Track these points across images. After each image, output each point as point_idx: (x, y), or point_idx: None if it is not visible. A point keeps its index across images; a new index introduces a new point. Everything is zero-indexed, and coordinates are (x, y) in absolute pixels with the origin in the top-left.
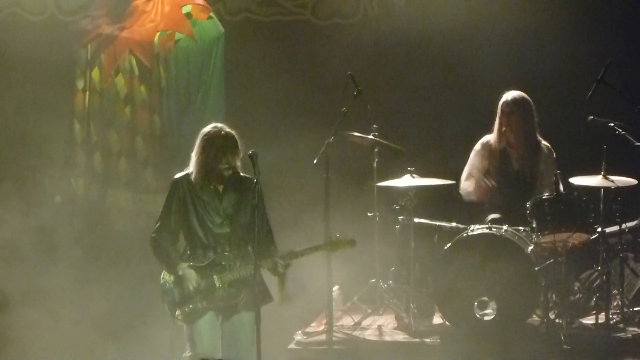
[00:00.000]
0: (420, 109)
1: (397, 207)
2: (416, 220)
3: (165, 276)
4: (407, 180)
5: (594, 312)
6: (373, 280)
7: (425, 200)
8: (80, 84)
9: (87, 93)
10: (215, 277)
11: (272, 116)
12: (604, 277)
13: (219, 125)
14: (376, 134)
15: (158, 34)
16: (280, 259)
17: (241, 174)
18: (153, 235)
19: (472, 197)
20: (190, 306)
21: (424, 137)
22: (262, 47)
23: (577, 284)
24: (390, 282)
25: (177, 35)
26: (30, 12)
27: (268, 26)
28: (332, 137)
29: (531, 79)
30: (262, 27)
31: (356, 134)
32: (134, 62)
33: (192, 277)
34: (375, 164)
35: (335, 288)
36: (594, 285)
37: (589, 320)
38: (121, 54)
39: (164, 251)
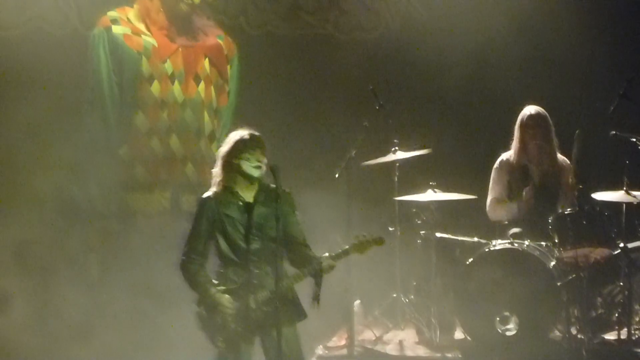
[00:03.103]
0: (441, 122)
1: (418, 221)
2: (438, 234)
3: (200, 304)
4: (429, 195)
5: (616, 327)
6: (394, 295)
7: (447, 214)
8: (159, 98)
9: (168, 106)
10: (250, 298)
11: (293, 129)
12: (626, 292)
13: (241, 129)
14: (396, 148)
15: (218, 36)
16: (322, 262)
17: (268, 185)
18: (183, 258)
19: (495, 218)
20: (230, 332)
21: (446, 151)
22: (283, 61)
23: (599, 299)
24: (412, 296)
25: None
26: (52, 25)
27: (290, 40)
28: (354, 152)
29: (553, 93)
30: (284, 41)
31: (375, 161)
32: (207, 67)
33: (226, 303)
34: (396, 178)
35: (357, 302)
36: (616, 300)
37: (610, 336)
38: (198, 62)
39: (194, 279)
